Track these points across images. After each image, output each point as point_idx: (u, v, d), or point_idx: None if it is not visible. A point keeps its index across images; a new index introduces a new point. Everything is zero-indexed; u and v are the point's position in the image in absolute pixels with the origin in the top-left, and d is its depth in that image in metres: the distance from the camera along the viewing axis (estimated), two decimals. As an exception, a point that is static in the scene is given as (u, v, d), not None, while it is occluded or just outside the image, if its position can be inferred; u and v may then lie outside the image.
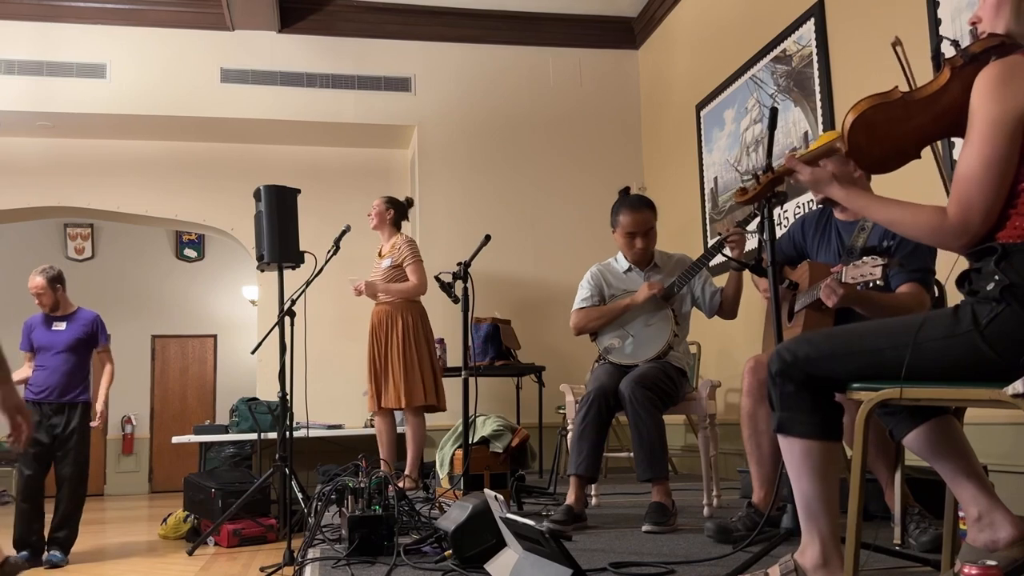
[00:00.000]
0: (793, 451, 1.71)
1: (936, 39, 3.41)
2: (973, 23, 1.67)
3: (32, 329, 5.01)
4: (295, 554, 3.48)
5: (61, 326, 4.99)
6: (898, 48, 2.07)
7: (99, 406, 5.01)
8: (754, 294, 3.13)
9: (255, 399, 6.03)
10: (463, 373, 3.40)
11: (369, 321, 4.78)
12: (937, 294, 2.67)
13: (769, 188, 2.04)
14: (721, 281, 3.48)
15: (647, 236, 3.37)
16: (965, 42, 1.66)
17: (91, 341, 5.03)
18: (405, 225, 4.97)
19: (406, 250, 4.69)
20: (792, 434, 1.71)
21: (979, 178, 1.49)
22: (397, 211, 4.87)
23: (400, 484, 4.39)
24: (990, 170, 1.48)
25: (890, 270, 2.04)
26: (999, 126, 1.48)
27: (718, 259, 3.43)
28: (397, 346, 4.61)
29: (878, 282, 2.04)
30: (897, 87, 1.70)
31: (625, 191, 3.46)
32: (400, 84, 6.48)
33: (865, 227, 2.59)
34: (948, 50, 1.71)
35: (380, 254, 4.88)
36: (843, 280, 2.22)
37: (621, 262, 3.50)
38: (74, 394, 4.91)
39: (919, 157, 1.72)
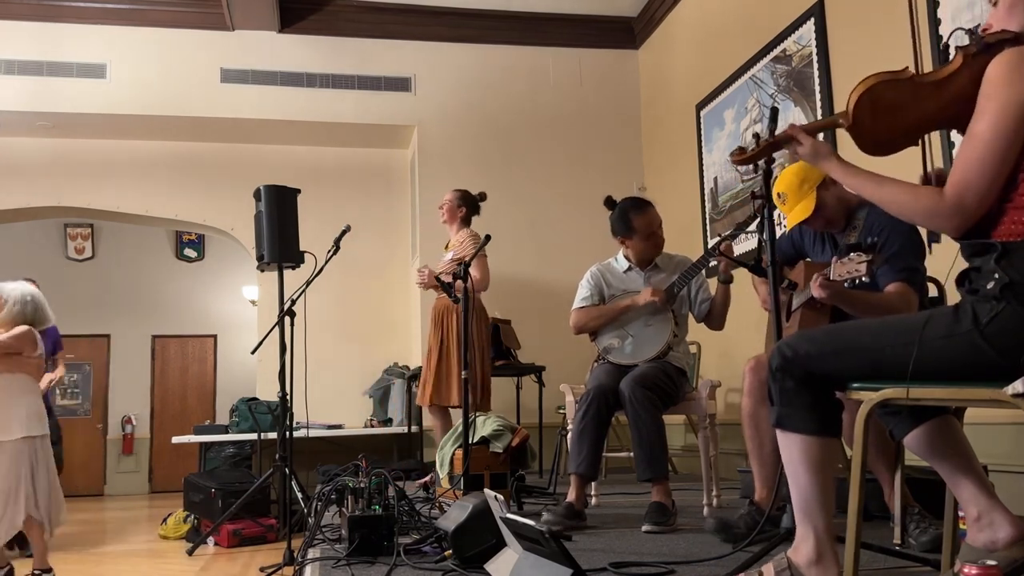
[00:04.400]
0: (791, 446, 1.72)
1: (936, 39, 3.41)
2: (984, 30, 1.66)
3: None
4: (295, 554, 3.48)
5: None
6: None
7: None
8: (753, 295, 3.13)
9: (255, 399, 6.02)
10: (463, 373, 3.40)
11: (429, 314, 4.76)
12: (937, 293, 2.67)
13: (767, 152, 2.00)
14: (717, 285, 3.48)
15: (660, 231, 3.43)
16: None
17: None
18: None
19: (469, 244, 4.60)
20: (791, 429, 1.71)
21: (980, 158, 1.48)
22: (469, 207, 4.80)
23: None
24: (993, 153, 1.48)
25: (875, 267, 2.04)
26: (1008, 110, 1.47)
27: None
28: (453, 342, 4.53)
29: (864, 279, 2.04)
30: (908, 67, 1.67)
31: (610, 201, 3.46)
32: (400, 84, 6.48)
33: (856, 226, 2.60)
34: (961, 39, 1.67)
35: (446, 247, 4.84)
36: (831, 277, 2.23)
37: (621, 262, 3.50)
38: None
39: (917, 144, 1.70)
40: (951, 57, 1.64)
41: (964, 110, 1.58)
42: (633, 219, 3.37)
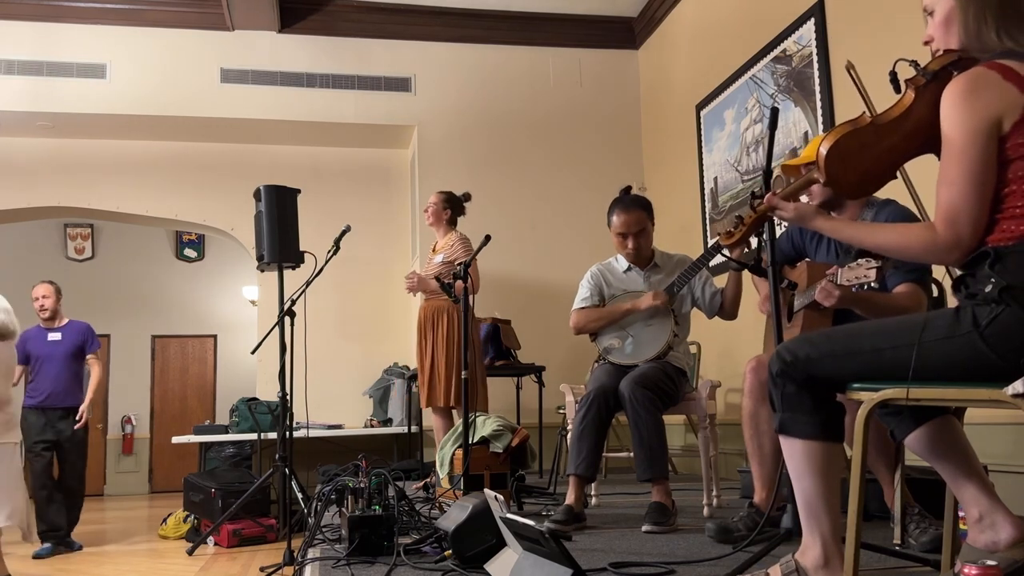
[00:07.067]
0: (794, 451, 1.72)
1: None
2: (926, 42, 1.71)
3: (27, 341, 5.29)
4: (295, 554, 3.48)
5: (56, 336, 5.39)
6: (852, 72, 2.13)
7: (83, 408, 5.31)
8: (755, 294, 3.13)
9: (255, 399, 6.03)
10: (463, 373, 3.41)
11: (416, 317, 4.76)
12: (937, 294, 2.67)
13: (753, 229, 2.07)
14: (721, 281, 3.47)
15: (639, 236, 3.34)
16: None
17: (84, 350, 5.47)
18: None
19: (459, 248, 4.62)
20: (793, 435, 1.71)
21: (963, 190, 1.51)
22: (454, 209, 4.83)
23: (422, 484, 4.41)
24: (973, 180, 1.50)
25: (885, 272, 2.05)
26: (975, 136, 1.50)
27: (718, 259, 3.43)
28: (443, 344, 4.57)
29: (872, 284, 2.04)
30: (865, 113, 1.74)
31: (626, 191, 3.46)
32: (400, 84, 6.48)
33: None
34: (905, 70, 1.73)
35: (434, 249, 4.85)
36: (839, 282, 2.23)
37: (621, 262, 3.50)
38: (74, 399, 5.31)
39: (895, 177, 1.76)
40: (901, 90, 1.70)
41: (930, 135, 1.63)
42: (613, 213, 3.37)
